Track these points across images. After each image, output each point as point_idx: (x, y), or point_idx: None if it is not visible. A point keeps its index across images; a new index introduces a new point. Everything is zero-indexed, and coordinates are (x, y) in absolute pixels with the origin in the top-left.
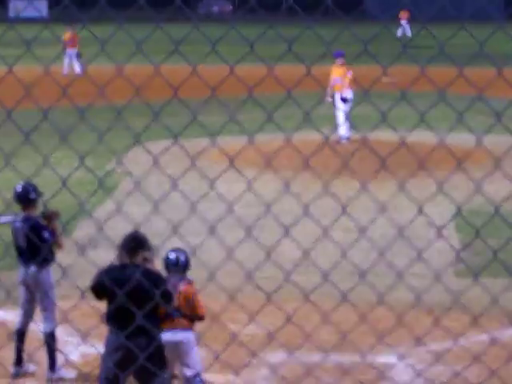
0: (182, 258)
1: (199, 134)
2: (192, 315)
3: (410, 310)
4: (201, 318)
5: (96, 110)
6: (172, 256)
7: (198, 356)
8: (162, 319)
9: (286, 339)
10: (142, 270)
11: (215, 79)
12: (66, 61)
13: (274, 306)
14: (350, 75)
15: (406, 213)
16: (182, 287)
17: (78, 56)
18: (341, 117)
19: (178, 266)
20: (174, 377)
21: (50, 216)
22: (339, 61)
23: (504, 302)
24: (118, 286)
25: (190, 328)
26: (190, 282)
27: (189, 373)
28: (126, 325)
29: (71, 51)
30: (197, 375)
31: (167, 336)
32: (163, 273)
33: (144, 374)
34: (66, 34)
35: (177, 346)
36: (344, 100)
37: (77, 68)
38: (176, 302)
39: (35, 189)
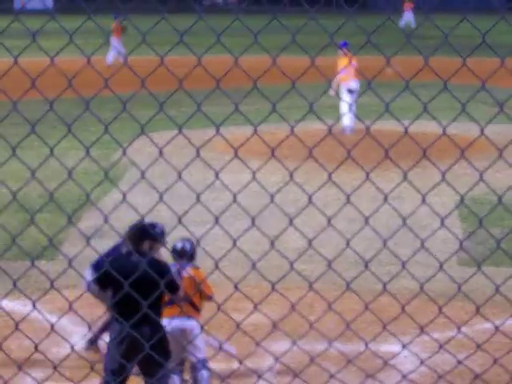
0: (188, 246)
1: (204, 124)
2: (201, 297)
3: (414, 299)
4: (210, 298)
5: (102, 101)
6: (178, 245)
7: (202, 343)
8: (166, 305)
9: (291, 328)
10: (148, 259)
11: (220, 70)
12: (112, 52)
13: (278, 295)
14: (354, 66)
15: (410, 202)
16: (190, 272)
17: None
18: (344, 107)
19: (185, 254)
20: (182, 363)
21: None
22: (342, 51)
23: (507, 290)
24: (125, 274)
25: (194, 316)
26: (197, 268)
27: (193, 360)
28: (131, 314)
29: (115, 41)
30: (201, 362)
31: (172, 323)
32: (170, 261)
33: (149, 364)
34: (115, 25)
35: (181, 333)
36: (350, 91)
37: (109, 58)
38: (182, 287)
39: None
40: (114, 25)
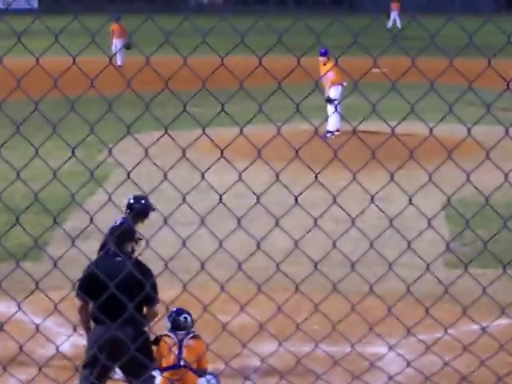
0: (189, 319)
1: (190, 125)
2: (197, 368)
3: (400, 301)
4: (204, 372)
5: (87, 101)
6: (181, 319)
7: None
8: (167, 369)
9: (277, 330)
10: (132, 261)
11: (206, 71)
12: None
13: (264, 296)
14: (330, 76)
15: (397, 203)
16: (191, 342)
17: (126, 47)
18: (329, 112)
19: (186, 328)
20: None
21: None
22: (322, 59)
23: (494, 292)
24: (109, 277)
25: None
26: (198, 337)
27: None
28: (113, 315)
29: (118, 42)
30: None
31: None
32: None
33: (132, 366)
34: (114, 26)
35: None
36: (328, 100)
37: (118, 60)
38: (183, 355)
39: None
40: (116, 26)
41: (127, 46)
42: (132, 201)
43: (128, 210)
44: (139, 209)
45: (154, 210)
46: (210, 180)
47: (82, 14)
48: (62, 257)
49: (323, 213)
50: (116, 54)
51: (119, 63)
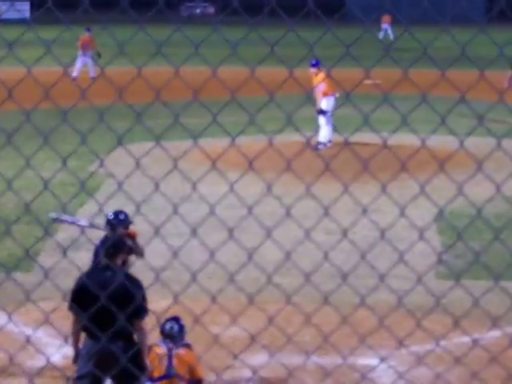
0: (176, 327)
1: (182, 136)
2: (191, 378)
3: (392, 312)
4: (200, 381)
5: (78, 112)
6: (166, 327)
7: None
8: (159, 380)
9: (268, 341)
10: (121, 275)
11: (198, 81)
12: (79, 64)
13: (255, 307)
14: (322, 87)
15: (389, 215)
16: (181, 351)
17: (95, 58)
18: (321, 123)
19: (173, 336)
20: None
21: (132, 235)
22: (312, 70)
23: (485, 304)
24: (97, 290)
25: None
26: (188, 346)
27: None
28: (103, 329)
29: (86, 54)
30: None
31: None
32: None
33: (122, 378)
34: (83, 37)
35: None
36: (320, 112)
37: (91, 71)
38: (173, 365)
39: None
40: (86, 37)
41: (98, 54)
42: (111, 216)
43: (108, 226)
44: (118, 223)
45: (131, 223)
46: (202, 191)
47: (74, 25)
48: (53, 267)
49: (315, 225)
50: (80, 65)
51: (92, 74)
